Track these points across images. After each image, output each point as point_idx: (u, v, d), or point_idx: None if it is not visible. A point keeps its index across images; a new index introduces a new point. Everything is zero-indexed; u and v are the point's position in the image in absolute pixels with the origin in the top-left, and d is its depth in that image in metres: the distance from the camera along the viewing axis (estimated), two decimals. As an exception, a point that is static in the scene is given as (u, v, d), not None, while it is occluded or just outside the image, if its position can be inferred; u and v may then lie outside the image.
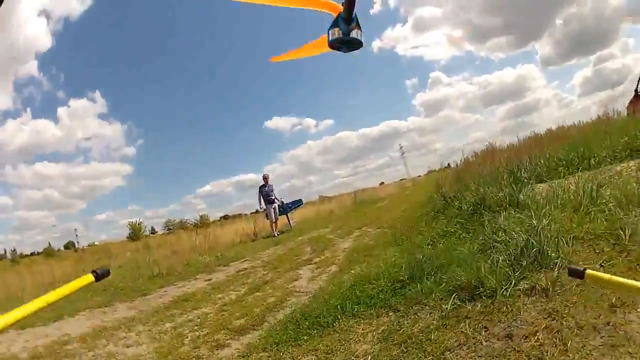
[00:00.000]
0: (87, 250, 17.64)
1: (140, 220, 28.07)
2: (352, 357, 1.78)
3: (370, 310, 2.24)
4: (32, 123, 28.70)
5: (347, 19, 0.65)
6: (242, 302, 3.26)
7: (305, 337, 2.12)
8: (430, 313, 1.95)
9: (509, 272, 1.86)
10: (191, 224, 25.93)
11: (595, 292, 1.55)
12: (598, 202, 2.37)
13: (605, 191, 2.51)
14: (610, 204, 2.23)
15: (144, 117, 35.65)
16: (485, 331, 1.61)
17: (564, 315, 1.49)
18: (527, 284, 1.80)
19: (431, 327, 1.80)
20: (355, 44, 0.69)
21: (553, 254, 1.88)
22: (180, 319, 3.13)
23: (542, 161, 4.57)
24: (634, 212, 2.00)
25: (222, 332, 2.59)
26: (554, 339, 1.38)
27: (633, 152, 3.73)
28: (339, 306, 2.34)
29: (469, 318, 1.73)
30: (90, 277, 0.78)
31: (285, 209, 10.09)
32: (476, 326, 1.66)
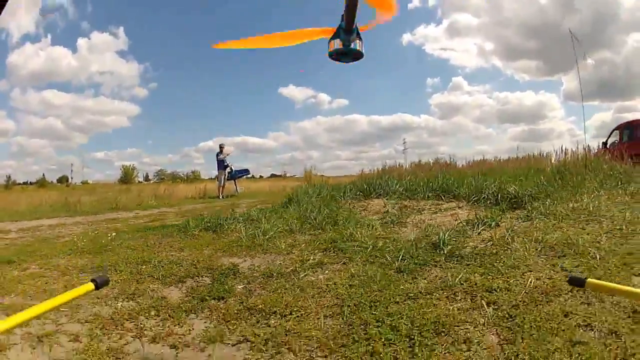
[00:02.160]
0: (77, 187, 20.39)
1: (134, 165, 30.07)
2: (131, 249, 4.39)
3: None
4: (49, 49, 29.11)
5: (347, 30, 0.68)
6: (135, 223, 5.95)
7: (129, 240, 4.74)
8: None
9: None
10: (181, 177, 28.95)
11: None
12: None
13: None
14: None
15: (164, 60, 35.25)
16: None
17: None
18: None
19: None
20: (356, 55, 0.72)
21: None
22: (102, 226, 5.83)
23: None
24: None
25: (113, 230, 5.27)
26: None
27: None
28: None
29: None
30: (90, 286, 0.84)
31: (233, 175, 12.59)
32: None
